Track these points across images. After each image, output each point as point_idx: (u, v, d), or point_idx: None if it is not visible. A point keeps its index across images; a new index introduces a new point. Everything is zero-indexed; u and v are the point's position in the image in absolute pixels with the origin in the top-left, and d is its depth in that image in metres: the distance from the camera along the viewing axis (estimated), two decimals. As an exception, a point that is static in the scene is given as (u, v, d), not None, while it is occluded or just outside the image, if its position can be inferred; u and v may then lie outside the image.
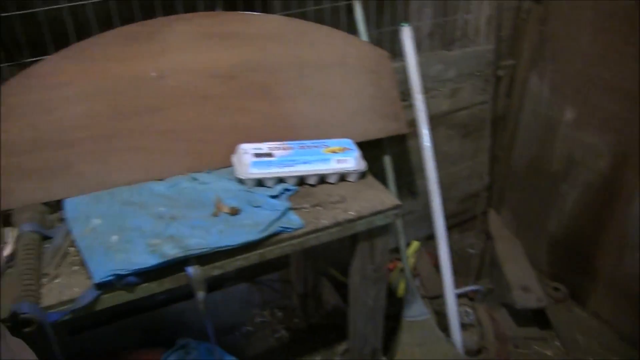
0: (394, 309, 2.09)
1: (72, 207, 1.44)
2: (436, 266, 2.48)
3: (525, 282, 2.30)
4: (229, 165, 1.60)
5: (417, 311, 2.11)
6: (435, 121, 2.21)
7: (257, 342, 2.13)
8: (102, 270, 1.23)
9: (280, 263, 2.22)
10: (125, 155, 1.52)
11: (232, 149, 1.60)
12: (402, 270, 2.23)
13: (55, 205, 1.49)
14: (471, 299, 2.39)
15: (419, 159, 2.07)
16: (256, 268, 2.13)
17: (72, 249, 1.38)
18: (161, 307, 2.13)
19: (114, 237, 1.32)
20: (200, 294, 1.31)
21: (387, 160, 1.99)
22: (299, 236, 1.41)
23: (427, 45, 2.24)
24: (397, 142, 2.17)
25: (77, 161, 1.49)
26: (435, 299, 2.38)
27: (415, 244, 2.55)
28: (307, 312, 2.27)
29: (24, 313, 1.16)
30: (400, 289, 2.31)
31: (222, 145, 1.60)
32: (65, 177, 1.47)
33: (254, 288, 2.21)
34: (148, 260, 1.24)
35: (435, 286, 2.41)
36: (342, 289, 2.21)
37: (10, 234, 1.39)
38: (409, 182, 2.30)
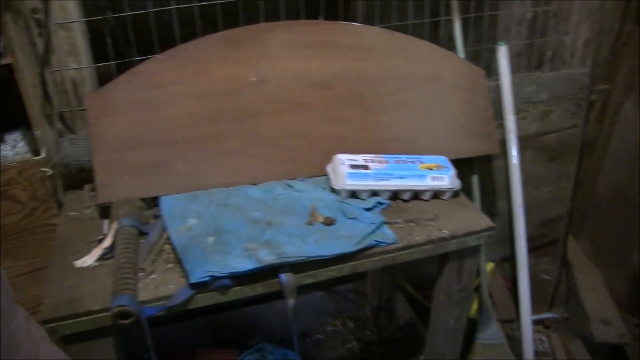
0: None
1: (169, 205, 1.46)
2: (509, 289, 2.42)
3: (605, 315, 2.22)
4: (320, 173, 1.59)
5: (491, 334, 2.06)
6: (522, 143, 2.16)
7: (328, 351, 2.12)
8: (198, 271, 1.24)
9: (356, 274, 2.21)
10: (221, 158, 1.54)
11: (324, 158, 1.59)
12: (475, 289, 2.19)
13: (150, 202, 1.51)
14: (546, 327, 2.33)
15: (501, 179, 2.03)
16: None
17: (167, 246, 1.40)
18: (234, 308, 2.14)
19: (210, 239, 1.33)
20: (291, 302, 1.31)
21: (475, 180, 1.96)
22: (391, 251, 1.39)
23: (515, 65, 2.19)
24: (482, 162, 2.13)
25: (176, 160, 1.51)
26: (507, 323, 2.32)
27: (490, 265, 2.50)
28: (379, 324, 2.25)
29: (124, 305, 1.18)
30: (473, 309, 2.26)
31: (316, 154, 1.60)
32: (163, 175, 1.50)
33: (328, 297, 2.21)
34: (244, 265, 1.25)
35: (507, 310, 2.36)
36: (415, 303, 2.18)
37: (110, 226, 1.42)
38: (489, 202, 2.25)
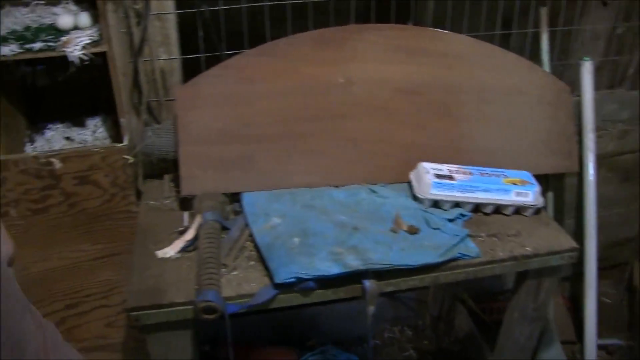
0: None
1: (251, 201, 1.46)
2: (569, 309, 2.37)
3: (671, 345, 2.16)
4: (401, 180, 1.58)
5: (553, 355, 2.01)
6: (597, 161, 2.11)
7: (384, 357, 2.10)
8: (283, 272, 1.23)
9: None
10: (305, 158, 1.53)
11: (406, 165, 1.58)
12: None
13: (230, 197, 1.51)
14: (609, 353, 2.27)
15: (572, 198, 1.98)
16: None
17: (248, 243, 1.40)
18: (293, 308, 2.13)
19: (296, 239, 1.32)
20: (371, 309, 1.30)
21: (550, 197, 1.92)
22: (474, 265, 1.37)
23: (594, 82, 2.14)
24: (554, 178, 2.08)
25: (260, 157, 1.51)
26: (566, 344, 2.27)
27: (551, 284, 2.45)
28: (438, 335, 2.22)
29: (209, 301, 1.18)
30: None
31: (398, 160, 1.59)
32: (246, 171, 1.50)
33: (389, 302, 2.18)
34: (331, 269, 1.24)
35: (567, 331, 2.30)
36: (475, 316, 2.15)
37: (193, 219, 1.42)
38: (558, 220, 2.20)
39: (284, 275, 1.23)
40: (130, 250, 1.68)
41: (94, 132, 1.86)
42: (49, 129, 1.87)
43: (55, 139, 1.84)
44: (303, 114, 1.54)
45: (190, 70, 1.58)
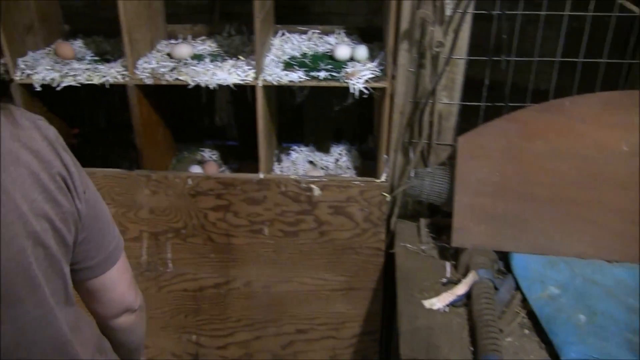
0: None
1: (523, 264, 1.39)
2: None
3: None
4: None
5: None
6: None
7: None
8: (572, 350, 1.16)
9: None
10: (578, 225, 1.44)
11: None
12: None
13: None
14: None
15: None
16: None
17: (520, 308, 1.33)
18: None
19: (582, 317, 1.24)
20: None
21: None
22: None
23: None
24: None
25: (533, 218, 1.44)
26: None
27: None
28: None
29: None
30: None
31: (679, 244, 1.46)
32: (518, 230, 1.43)
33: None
34: (627, 357, 1.15)
35: None
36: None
37: (464, 273, 1.38)
38: None
39: (573, 354, 1.15)
40: (367, 287, 1.68)
41: (337, 160, 1.88)
42: (294, 150, 1.91)
43: (299, 161, 1.87)
44: (580, 178, 1.45)
45: (464, 118, 1.55)
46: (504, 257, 1.44)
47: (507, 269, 1.43)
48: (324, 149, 1.91)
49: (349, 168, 1.84)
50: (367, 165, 1.83)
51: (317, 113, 1.94)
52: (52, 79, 1.55)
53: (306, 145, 1.93)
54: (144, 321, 1.06)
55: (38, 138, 0.77)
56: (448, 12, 1.39)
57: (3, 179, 0.70)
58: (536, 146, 1.45)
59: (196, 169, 1.83)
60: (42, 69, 1.57)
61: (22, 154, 0.74)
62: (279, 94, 1.81)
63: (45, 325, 0.79)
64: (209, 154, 1.96)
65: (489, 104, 1.51)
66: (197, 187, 1.63)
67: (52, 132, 0.80)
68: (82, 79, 1.56)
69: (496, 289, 1.36)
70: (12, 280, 0.72)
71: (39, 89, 1.56)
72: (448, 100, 1.51)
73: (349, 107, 1.84)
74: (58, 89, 1.56)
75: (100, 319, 0.99)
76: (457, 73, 1.48)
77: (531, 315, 1.30)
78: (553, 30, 1.48)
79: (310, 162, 1.88)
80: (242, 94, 1.76)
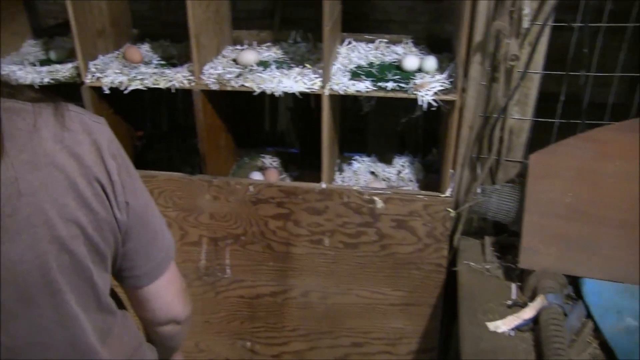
0: None
1: (595, 290, 1.33)
2: None
3: None
4: None
5: None
6: None
7: None
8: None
9: None
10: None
11: None
12: None
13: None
14: None
15: None
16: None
17: (591, 337, 1.27)
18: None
19: (660, 352, 1.17)
20: None
21: None
22: None
23: None
24: None
25: (605, 242, 1.37)
26: None
27: None
28: None
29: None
30: None
31: None
32: (589, 254, 1.37)
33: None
34: None
35: None
36: None
37: (531, 296, 1.33)
38: None
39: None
40: (426, 304, 1.64)
41: (399, 172, 1.84)
42: (355, 160, 1.88)
43: (361, 171, 1.84)
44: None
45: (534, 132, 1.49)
46: (574, 282, 1.38)
47: (577, 294, 1.36)
48: (386, 160, 1.88)
49: (411, 180, 1.80)
50: (429, 178, 1.78)
51: (381, 123, 1.90)
52: (121, 82, 1.57)
53: (368, 155, 1.90)
54: (187, 329, 1.06)
55: (85, 142, 0.75)
56: (525, 24, 1.34)
57: (32, 181, 0.69)
58: (612, 167, 1.38)
59: (257, 176, 1.82)
60: (111, 72, 1.59)
61: (61, 156, 0.72)
62: (342, 102, 1.79)
63: (63, 329, 0.77)
64: (269, 160, 1.95)
65: (564, 121, 1.45)
66: (259, 195, 1.62)
67: (105, 137, 0.78)
68: (149, 82, 1.57)
69: (565, 315, 1.30)
70: (28, 282, 0.71)
71: (107, 91, 1.58)
72: (520, 115, 1.46)
73: (412, 118, 1.80)
74: (125, 92, 1.57)
75: (147, 324, 0.99)
76: (532, 88, 1.43)
77: (604, 346, 1.24)
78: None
79: (372, 173, 1.84)
80: (302, 100, 1.74)
